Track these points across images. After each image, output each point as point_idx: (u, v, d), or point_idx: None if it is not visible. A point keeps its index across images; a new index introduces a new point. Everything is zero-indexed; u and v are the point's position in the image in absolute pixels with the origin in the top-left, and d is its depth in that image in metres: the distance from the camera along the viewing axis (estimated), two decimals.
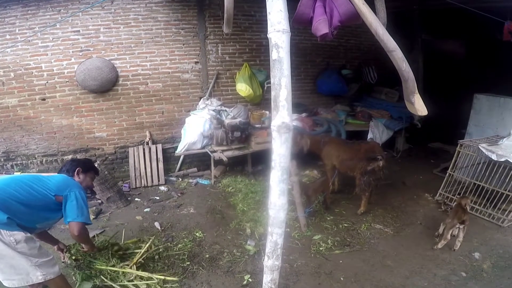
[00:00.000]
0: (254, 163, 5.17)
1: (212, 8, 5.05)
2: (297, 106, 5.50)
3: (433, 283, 2.72)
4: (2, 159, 4.56)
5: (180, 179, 5.06)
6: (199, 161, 5.35)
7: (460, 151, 4.05)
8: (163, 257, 3.01)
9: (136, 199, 4.46)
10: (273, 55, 1.67)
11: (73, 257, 2.59)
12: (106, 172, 4.27)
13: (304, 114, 5.50)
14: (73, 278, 2.57)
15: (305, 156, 4.45)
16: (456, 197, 3.92)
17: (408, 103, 2.24)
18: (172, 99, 5.13)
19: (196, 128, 4.80)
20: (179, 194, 4.54)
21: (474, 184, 3.93)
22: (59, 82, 4.58)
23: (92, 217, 3.85)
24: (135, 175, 4.86)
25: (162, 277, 2.64)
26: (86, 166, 2.60)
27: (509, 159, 3.45)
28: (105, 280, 2.54)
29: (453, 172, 4.11)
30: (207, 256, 3.10)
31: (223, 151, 4.69)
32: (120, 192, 4.31)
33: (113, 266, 2.64)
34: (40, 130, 4.65)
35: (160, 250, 3.10)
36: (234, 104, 5.37)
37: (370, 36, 2.15)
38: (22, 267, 2.02)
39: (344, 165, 3.96)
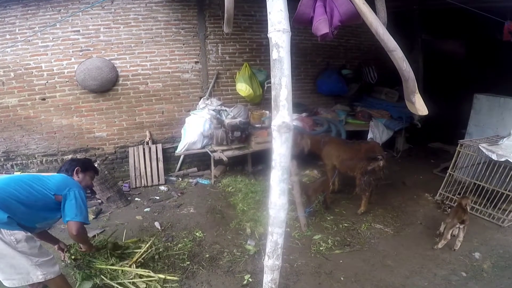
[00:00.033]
0: (254, 163, 5.17)
1: (212, 8, 5.05)
2: (297, 106, 5.50)
3: (433, 283, 2.72)
4: (2, 159, 4.56)
5: (180, 179, 5.06)
6: (199, 161, 5.35)
7: (460, 151, 4.05)
8: (163, 257, 3.01)
9: (136, 199, 4.46)
10: (274, 54, 1.67)
11: (73, 257, 2.59)
12: (106, 172, 4.27)
13: (304, 114, 5.50)
14: (73, 278, 2.57)
15: (305, 156, 4.45)
16: (457, 197, 3.93)
17: (408, 103, 2.23)
18: (172, 99, 5.13)
19: (196, 128, 4.80)
20: (179, 194, 4.54)
21: (474, 184, 3.93)
22: (59, 82, 4.58)
23: (92, 217, 3.86)
24: (135, 175, 4.86)
25: (163, 276, 2.63)
26: (85, 166, 2.60)
27: (509, 159, 3.45)
28: (105, 279, 2.54)
29: (453, 172, 4.11)
30: (207, 256, 3.10)
31: (223, 151, 4.69)
32: (120, 192, 4.31)
33: (112, 265, 2.64)
34: (40, 130, 4.65)
35: (160, 250, 3.10)
36: (234, 104, 5.37)
37: (370, 36, 2.15)
38: (22, 266, 2.02)
39: (345, 165, 3.96)
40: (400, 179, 4.88)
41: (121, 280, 2.55)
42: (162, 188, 4.76)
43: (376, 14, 2.14)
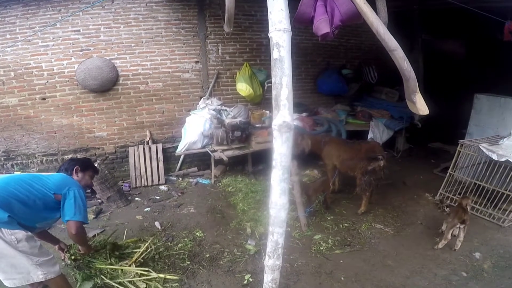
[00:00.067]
0: (254, 163, 5.17)
1: (213, 7, 5.04)
2: (298, 106, 5.50)
3: (433, 283, 2.71)
4: (2, 159, 4.56)
5: (180, 179, 5.06)
6: (200, 160, 5.34)
7: (460, 151, 4.05)
8: (164, 257, 3.01)
9: (136, 198, 4.45)
10: (274, 54, 1.66)
11: (73, 257, 2.59)
12: (106, 172, 4.27)
13: (304, 114, 5.50)
14: (73, 278, 2.56)
15: (306, 156, 4.44)
16: (457, 197, 3.94)
17: (409, 103, 2.23)
18: (172, 99, 5.12)
19: (196, 128, 4.80)
20: (179, 194, 4.53)
21: (475, 184, 3.93)
22: (60, 81, 4.58)
23: (92, 216, 3.86)
24: (135, 174, 4.86)
25: (162, 276, 2.63)
26: (84, 165, 2.60)
27: (509, 159, 3.45)
28: (105, 279, 2.54)
29: (454, 172, 4.11)
30: (208, 255, 3.09)
31: (223, 150, 4.69)
32: (120, 192, 4.31)
33: (112, 265, 2.64)
34: (40, 130, 4.64)
35: (161, 249, 3.10)
36: (235, 103, 5.37)
37: (370, 35, 2.15)
38: (23, 266, 2.02)
39: (345, 165, 3.95)
40: (401, 179, 4.88)
41: (121, 279, 2.55)
42: (162, 187, 4.76)
43: (376, 14, 2.14)
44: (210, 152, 4.73)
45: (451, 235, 3.09)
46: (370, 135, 5.52)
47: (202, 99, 5.17)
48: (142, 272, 2.63)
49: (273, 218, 1.81)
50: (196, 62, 5.13)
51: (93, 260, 2.62)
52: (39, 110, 4.58)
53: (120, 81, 4.81)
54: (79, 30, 4.54)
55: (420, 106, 2.14)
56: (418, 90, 2.13)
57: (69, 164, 2.54)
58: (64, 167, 2.53)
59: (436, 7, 5.52)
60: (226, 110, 5.13)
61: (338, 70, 5.99)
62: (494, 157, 3.59)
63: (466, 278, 2.76)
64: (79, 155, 4.71)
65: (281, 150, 1.70)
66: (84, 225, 2.38)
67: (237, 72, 5.25)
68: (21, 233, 2.01)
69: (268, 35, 1.70)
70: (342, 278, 2.78)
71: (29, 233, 2.09)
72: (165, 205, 4.21)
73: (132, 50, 4.79)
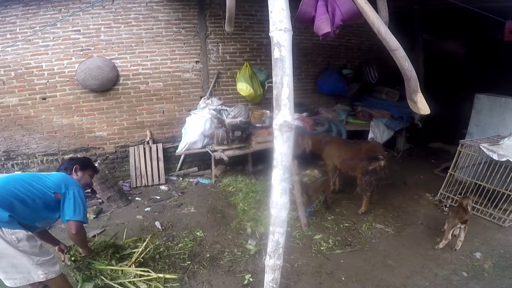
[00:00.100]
0: (254, 163, 5.17)
1: (213, 7, 5.04)
2: (298, 106, 5.49)
3: (434, 283, 2.71)
4: (2, 158, 4.56)
5: (181, 179, 5.06)
6: (200, 160, 5.34)
7: (461, 151, 4.04)
8: (164, 257, 3.01)
9: (137, 198, 4.45)
10: (275, 53, 1.66)
11: (73, 258, 2.59)
12: (106, 172, 4.27)
13: (305, 114, 5.50)
14: (74, 278, 2.56)
15: (306, 155, 4.44)
16: (457, 197, 3.93)
17: (410, 102, 2.23)
18: (172, 99, 5.12)
19: (196, 128, 4.80)
20: (180, 194, 4.53)
21: (475, 184, 3.92)
22: (60, 81, 4.58)
23: (92, 216, 3.85)
24: (135, 174, 4.86)
25: (162, 275, 2.63)
26: (84, 164, 2.60)
27: (510, 159, 3.45)
28: (105, 280, 2.53)
29: (454, 172, 4.10)
30: (208, 255, 3.09)
31: (223, 150, 4.68)
32: (120, 192, 4.31)
33: (112, 266, 2.63)
34: (41, 129, 4.65)
35: (161, 249, 3.09)
36: (235, 103, 5.37)
37: (370, 35, 2.15)
38: (23, 265, 2.01)
39: (346, 165, 3.95)
40: (401, 179, 4.87)
41: (122, 280, 2.55)
42: (163, 187, 4.76)
43: (377, 13, 2.14)
44: (210, 152, 4.73)
45: (452, 235, 3.09)
46: (370, 135, 5.52)
47: (202, 99, 5.17)
48: (142, 273, 2.63)
49: (274, 218, 1.81)
50: (197, 62, 5.13)
51: (93, 261, 2.62)
52: (39, 110, 4.58)
53: (121, 81, 4.81)
54: (79, 30, 4.54)
55: (422, 106, 2.14)
56: (419, 90, 2.13)
57: (69, 163, 2.54)
58: (64, 166, 2.53)
59: (436, 7, 5.52)
60: (226, 110, 5.13)
61: (338, 70, 5.98)
62: (495, 157, 3.58)
63: (466, 278, 2.76)
64: (79, 155, 4.70)
65: (282, 149, 1.70)
66: (84, 225, 2.38)
67: (238, 72, 5.24)
68: (21, 233, 2.01)
69: (269, 34, 1.70)
70: (343, 278, 2.78)
71: (30, 233, 2.08)
72: (165, 205, 4.21)
73: (133, 50, 4.79)
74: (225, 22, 2.91)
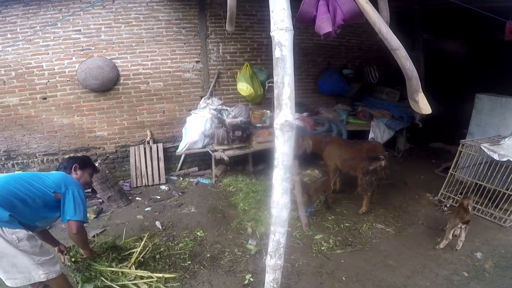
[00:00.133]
0: (255, 163, 5.17)
1: (213, 7, 5.04)
2: (299, 106, 5.49)
3: (435, 282, 2.71)
4: (3, 158, 4.56)
5: (181, 178, 5.05)
6: (200, 160, 5.34)
7: (461, 151, 4.04)
8: (164, 257, 3.01)
9: (137, 198, 4.45)
10: (276, 53, 1.66)
11: (73, 259, 2.58)
12: (107, 171, 4.27)
13: (305, 114, 5.50)
14: (74, 279, 2.56)
15: (307, 155, 4.44)
16: (458, 197, 3.93)
17: (412, 102, 2.23)
18: (173, 98, 5.12)
19: (197, 127, 4.79)
20: (180, 193, 4.53)
21: (476, 184, 3.92)
22: (60, 81, 4.58)
23: (93, 216, 3.85)
24: (136, 174, 4.86)
25: (161, 275, 2.62)
26: (83, 163, 2.60)
27: (511, 159, 3.45)
28: (105, 281, 2.53)
29: (455, 172, 4.10)
30: (208, 255, 3.09)
31: (224, 150, 4.68)
32: (121, 191, 4.31)
33: (112, 267, 2.63)
34: (41, 129, 4.64)
35: (161, 249, 3.09)
36: (235, 103, 5.37)
37: (371, 35, 2.15)
38: (24, 265, 2.01)
39: (346, 165, 3.95)
40: (402, 179, 4.87)
41: (122, 281, 2.54)
42: (163, 187, 4.76)
43: (379, 13, 2.13)
44: (210, 152, 4.73)
45: (452, 235, 3.08)
46: (371, 135, 5.52)
47: (203, 98, 5.17)
48: (142, 274, 2.62)
49: (275, 218, 1.81)
50: (197, 61, 5.13)
51: (93, 262, 2.62)
52: (40, 110, 4.58)
53: (121, 81, 4.81)
54: (80, 30, 4.54)
55: (423, 105, 2.13)
56: (420, 89, 2.13)
57: (68, 162, 2.54)
58: (63, 165, 2.53)
59: (437, 7, 5.51)
60: (226, 109, 5.13)
61: (339, 70, 5.98)
62: (496, 157, 3.58)
63: (467, 278, 2.76)
64: (80, 155, 4.70)
65: (283, 149, 1.70)
66: (84, 225, 2.38)
67: (238, 71, 5.24)
68: (22, 232, 2.00)
69: (270, 34, 1.70)
70: (343, 278, 2.78)
71: (30, 233, 2.08)
72: (165, 205, 4.21)
73: (133, 50, 4.78)
74: (226, 22, 2.90)
